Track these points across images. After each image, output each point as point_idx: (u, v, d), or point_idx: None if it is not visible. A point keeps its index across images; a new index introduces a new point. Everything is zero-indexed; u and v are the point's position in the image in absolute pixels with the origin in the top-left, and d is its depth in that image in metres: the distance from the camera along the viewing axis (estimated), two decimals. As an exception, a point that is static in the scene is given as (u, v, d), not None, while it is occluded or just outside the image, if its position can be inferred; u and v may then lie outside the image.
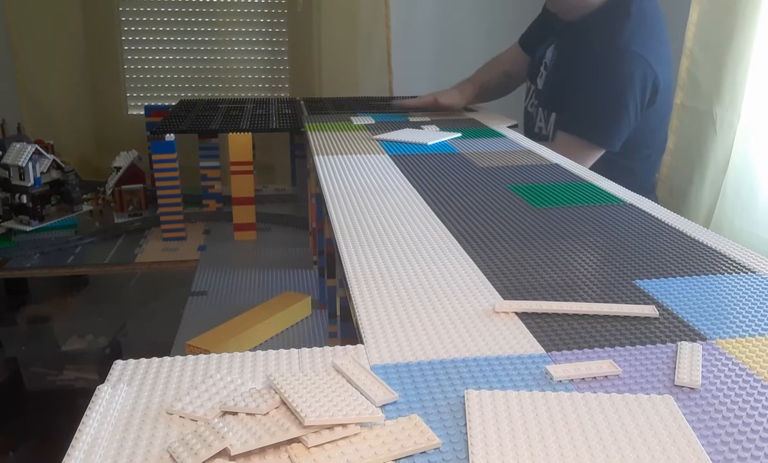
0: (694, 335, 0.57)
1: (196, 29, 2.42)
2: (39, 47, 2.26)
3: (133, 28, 2.40)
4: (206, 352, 0.84)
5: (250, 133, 1.64)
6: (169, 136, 1.62)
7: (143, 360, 0.52)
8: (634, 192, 1.03)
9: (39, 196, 1.74)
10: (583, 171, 1.14)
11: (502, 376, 0.51)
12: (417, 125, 1.54)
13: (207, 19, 2.41)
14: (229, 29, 2.43)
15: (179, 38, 2.43)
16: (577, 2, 1.53)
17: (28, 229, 1.73)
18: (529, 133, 1.69)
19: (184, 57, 2.44)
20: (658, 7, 1.51)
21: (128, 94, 2.44)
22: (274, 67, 2.49)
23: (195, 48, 2.43)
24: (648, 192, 1.55)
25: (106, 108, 2.38)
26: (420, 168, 1.13)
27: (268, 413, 0.44)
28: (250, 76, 2.48)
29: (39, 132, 2.13)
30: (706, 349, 0.55)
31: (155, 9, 2.39)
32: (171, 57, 2.44)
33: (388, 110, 1.79)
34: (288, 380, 0.47)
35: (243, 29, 2.43)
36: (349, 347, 0.55)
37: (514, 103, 1.93)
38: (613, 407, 0.46)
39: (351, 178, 1.05)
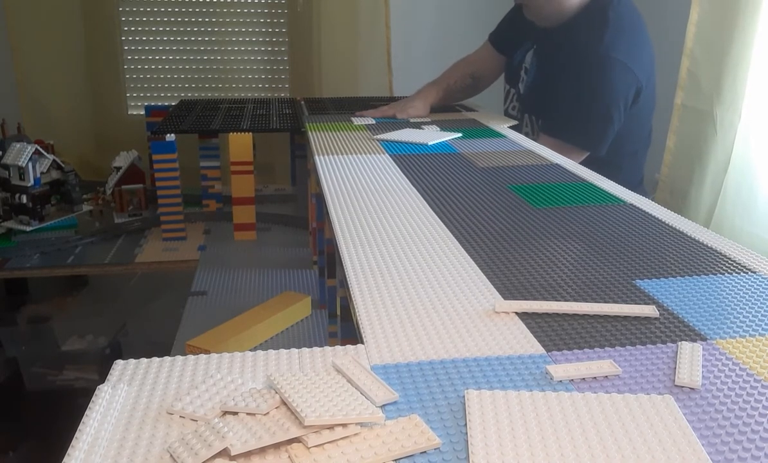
0: (694, 335, 0.57)
1: (196, 29, 2.42)
2: (39, 47, 2.26)
3: (133, 28, 2.40)
4: (206, 352, 0.84)
5: (250, 133, 1.64)
6: (170, 136, 1.62)
7: (143, 360, 0.52)
8: (624, 185, 1.03)
9: (39, 196, 1.74)
10: (583, 171, 1.14)
11: (502, 376, 0.51)
12: (417, 125, 1.54)
13: (207, 19, 2.41)
14: (229, 29, 2.43)
15: (179, 38, 2.43)
16: (553, 11, 1.52)
17: (28, 229, 1.73)
18: None
19: (184, 57, 2.44)
20: (634, 6, 1.51)
21: (128, 94, 2.44)
22: (274, 67, 2.49)
23: (195, 48, 2.44)
24: (635, 186, 1.55)
25: (106, 108, 2.38)
26: (420, 168, 1.13)
27: (268, 413, 0.44)
28: (250, 76, 2.48)
29: (39, 132, 2.13)
30: (706, 349, 0.55)
31: (155, 9, 2.39)
32: (171, 57, 2.45)
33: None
34: (288, 380, 0.47)
35: (243, 29, 2.43)
36: (349, 347, 0.55)
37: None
38: (613, 407, 0.46)
39: (351, 178, 1.05)
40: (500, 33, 1.78)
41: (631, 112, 1.47)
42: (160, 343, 1.22)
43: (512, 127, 1.60)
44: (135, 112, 2.44)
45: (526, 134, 1.64)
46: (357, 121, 1.61)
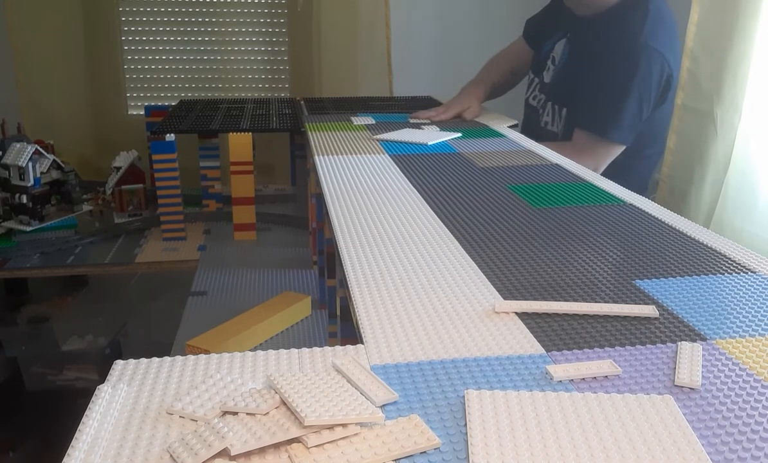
0: (694, 335, 0.57)
1: (196, 29, 2.42)
2: (39, 47, 2.26)
3: (133, 28, 2.40)
4: (206, 352, 0.84)
5: (250, 133, 1.64)
6: (169, 136, 1.62)
7: (143, 360, 0.52)
8: (632, 188, 1.03)
9: (39, 196, 1.74)
10: (583, 171, 1.14)
11: (502, 376, 0.51)
12: (417, 125, 1.54)
13: (207, 19, 2.41)
14: (229, 29, 2.43)
15: (179, 38, 2.43)
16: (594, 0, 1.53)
17: (28, 229, 1.73)
18: (534, 126, 1.68)
19: (184, 57, 2.44)
20: (666, 3, 1.52)
21: (128, 94, 2.44)
22: (274, 67, 2.49)
23: (195, 48, 2.44)
24: (643, 189, 1.56)
25: (106, 108, 2.38)
26: (420, 168, 1.13)
27: (268, 413, 0.44)
28: (250, 76, 2.48)
29: (39, 132, 2.13)
30: (706, 349, 0.55)
31: (155, 9, 2.39)
32: (171, 57, 2.44)
33: (389, 110, 1.79)
34: (288, 380, 0.47)
35: (243, 29, 2.43)
36: (349, 347, 0.55)
37: (514, 99, 1.93)
38: (613, 407, 0.46)
39: (351, 178, 1.05)
40: (533, 27, 1.79)
41: (656, 113, 1.48)
42: (160, 343, 1.22)
43: (513, 126, 1.60)
44: (135, 113, 2.44)
45: (546, 123, 1.64)
46: (424, 127, 1.59)
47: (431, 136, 1.39)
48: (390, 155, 1.22)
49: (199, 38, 2.43)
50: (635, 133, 1.48)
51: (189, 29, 2.42)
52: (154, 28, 2.41)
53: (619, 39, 1.46)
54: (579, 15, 1.58)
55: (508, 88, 1.88)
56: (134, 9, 2.38)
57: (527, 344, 0.55)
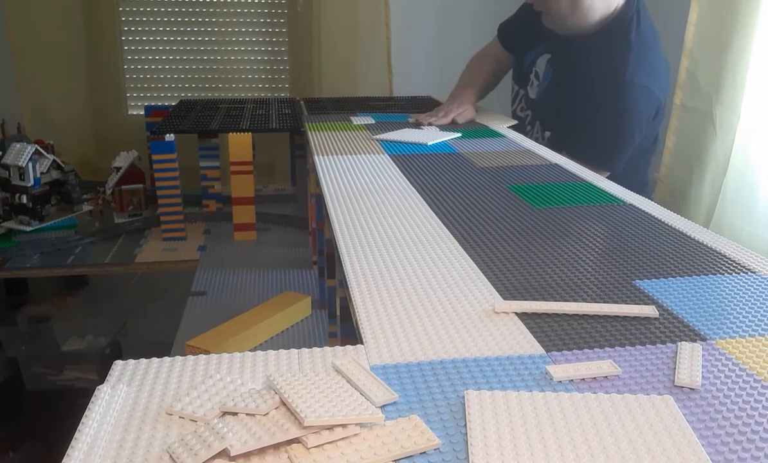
0: (694, 335, 0.57)
1: (196, 29, 2.42)
2: (39, 47, 2.26)
3: (133, 28, 2.40)
4: (206, 352, 0.84)
5: (250, 133, 1.64)
6: (169, 136, 1.62)
7: (143, 360, 0.52)
8: (633, 186, 1.03)
9: (39, 196, 1.74)
10: (583, 171, 1.14)
11: (502, 376, 0.51)
12: (417, 125, 1.54)
13: (207, 19, 2.41)
14: (229, 29, 2.43)
15: (179, 38, 2.43)
16: (575, 23, 1.49)
17: (28, 229, 1.73)
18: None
19: (184, 57, 2.44)
20: (651, 21, 1.49)
21: (128, 95, 2.44)
22: (274, 67, 2.49)
23: (195, 48, 2.44)
24: (644, 186, 1.55)
25: (106, 108, 2.38)
26: (420, 168, 1.13)
27: (267, 413, 0.44)
28: (250, 76, 2.48)
29: (39, 132, 2.13)
30: (706, 349, 0.55)
31: (155, 9, 2.39)
32: (171, 57, 2.44)
33: (389, 110, 1.79)
34: (288, 381, 0.47)
35: (243, 29, 2.43)
36: (349, 347, 0.55)
37: (508, 105, 1.92)
38: (613, 407, 0.46)
39: (351, 178, 1.05)
40: (511, 34, 1.77)
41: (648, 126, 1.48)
42: (160, 343, 1.22)
43: (512, 127, 1.60)
44: (135, 113, 2.44)
45: (537, 139, 1.63)
46: (424, 127, 1.58)
47: (431, 136, 1.39)
48: (390, 155, 1.22)
49: (199, 38, 2.43)
50: (626, 159, 1.48)
51: (189, 29, 2.42)
52: (154, 28, 2.41)
53: (603, 75, 1.44)
54: (560, 34, 1.56)
55: (490, 91, 1.86)
56: (134, 9, 2.38)
57: (527, 344, 0.55)
